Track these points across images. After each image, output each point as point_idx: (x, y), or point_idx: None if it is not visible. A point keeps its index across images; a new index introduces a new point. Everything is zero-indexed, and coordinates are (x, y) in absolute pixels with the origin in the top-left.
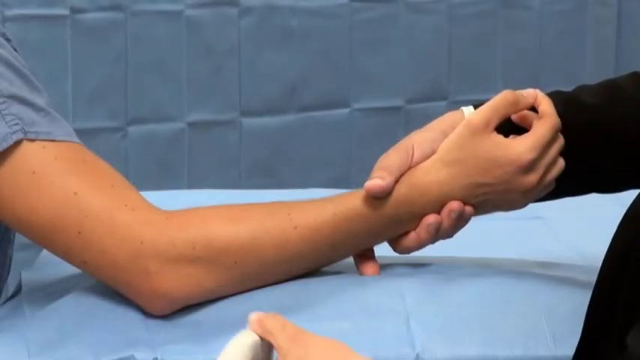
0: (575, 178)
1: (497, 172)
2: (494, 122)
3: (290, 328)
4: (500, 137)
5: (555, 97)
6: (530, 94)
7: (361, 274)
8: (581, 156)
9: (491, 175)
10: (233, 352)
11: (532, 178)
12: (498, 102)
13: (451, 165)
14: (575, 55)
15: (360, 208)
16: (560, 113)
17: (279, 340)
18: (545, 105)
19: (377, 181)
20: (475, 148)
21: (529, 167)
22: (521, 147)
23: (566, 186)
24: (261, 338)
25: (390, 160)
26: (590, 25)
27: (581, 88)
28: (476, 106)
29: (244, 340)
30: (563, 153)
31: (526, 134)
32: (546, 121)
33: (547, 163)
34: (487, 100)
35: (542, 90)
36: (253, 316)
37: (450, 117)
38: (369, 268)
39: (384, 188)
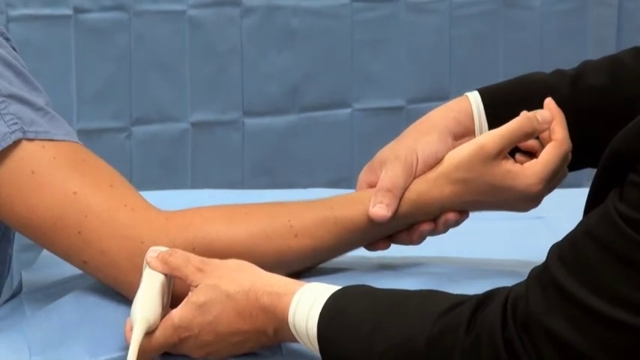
0: (582, 156)
1: (503, 196)
2: (507, 150)
3: (194, 260)
4: (510, 164)
5: (560, 78)
6: (545, 119)
7: (371, 250)
8: (587, 134)
9: (496, 198)
10: (149, 298)
11: (536, 202)
12: (514, 131)
13: (456, 183)
14: (575, 55)
15: (361, 222)
16: (567, 95)
17: (187, 273)
18: (559, 129)
19: (382, 211)
20: (484, 173)
21: (535, 197)
22: (530, 178)
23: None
24: (165, 275)
25: (398, 178)
26: (590, 25)
27: (585, 66)
28: (481, 93)
29: (154, 284)
30: (570, 131)
31: (536, 162)
32: (558, 148)
33: (553, 185)
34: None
35: None
36: (154, 258)
37: (454, 109)
38: (380, 244)
39: (387, 218)
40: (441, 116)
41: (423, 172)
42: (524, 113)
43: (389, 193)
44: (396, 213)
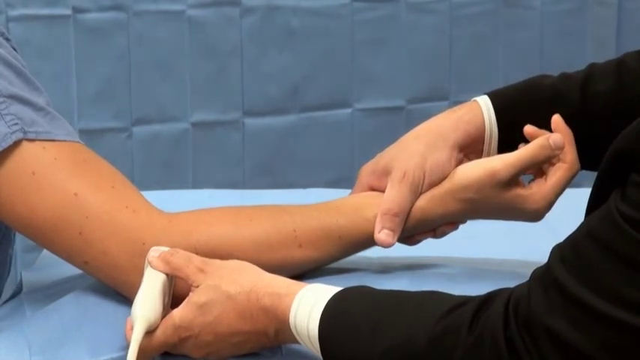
0: (590, 160)
1: (508, 216)
2: (518, 177)
3: (196, 260)
4: (520, 190)
5: (569, 83)
6: (557, 145)
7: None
8: (596, 138)
9: (500, 217)
10: (149, 297)
11: (539, 219)
12: (527, 159)
13: (462, 202)
14: (575, 55)
15: (366, 239)
16: (577, 100)
17: (189, 274)
18: (570, 152)
19: (388, 237)
20: (493, 197)
21: (540, 218)
22: (539, 203)
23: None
24: (167, 275)
25: (402, 201)
26: (590, 25)
27: (593, 70)
28: (491, 98)
29: (155, 283)
30: (577, 138)
31: (545, 185)
32: (567, 172)
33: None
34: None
35: None
36: (155, 257)
37: (464, 119)
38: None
39: (392, 244)
40: (451, 128)
41: (429, 189)
42: (537, 141)
43: (395, 218)
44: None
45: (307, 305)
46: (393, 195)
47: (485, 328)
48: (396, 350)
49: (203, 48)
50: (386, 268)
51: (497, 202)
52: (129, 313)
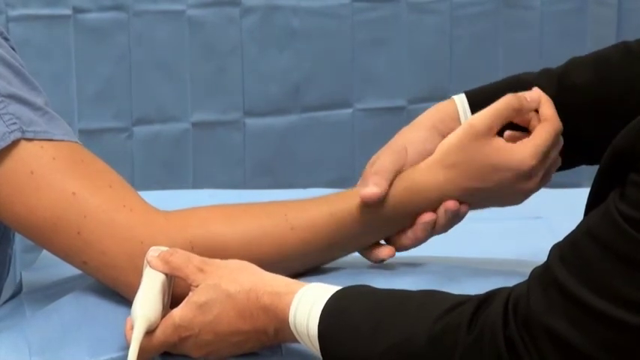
0: (570, 154)
1: (497, 176)
2: (497, 128)
3: (195, 260)
4: (502, 142)
5: (546, 77)
6: (533, 98)
7: (377, 260)
8: (574, 132)
9: (491, 180)
10: (149, 297)
11: (532, 183)
12: (502, 108)
13: (450, 167)
14: (575, 54)
15: (356, 211)
16: (553, 94)
17: (188, 273)
18: (548, 109)
19: (372, 189)
20: (476, 153)
21: (530, 174)
22: (522, 154)
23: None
24: (166, 275)
25: (384, 162)
26: (590, 25)
27: (571, 63)
28: (467, 94)
29: (155, 283)
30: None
31: (528, 139)
32: (548, 126)
33: (547, 166)
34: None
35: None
36: (154, 257)
37: (440, 110)
38: (384, 251)
39: (379, 196)
40: (427, 117)
41: (416, 163)
42: (511, 94)
43: (376, 175)
44: (390, 197)
45: (307, 304)
46: (374, 164)
47: (484, 327)
48: (396, 349)
49: (203, 48)
50: (385, 268)
51: (482, 160)
52: (129, 313)
